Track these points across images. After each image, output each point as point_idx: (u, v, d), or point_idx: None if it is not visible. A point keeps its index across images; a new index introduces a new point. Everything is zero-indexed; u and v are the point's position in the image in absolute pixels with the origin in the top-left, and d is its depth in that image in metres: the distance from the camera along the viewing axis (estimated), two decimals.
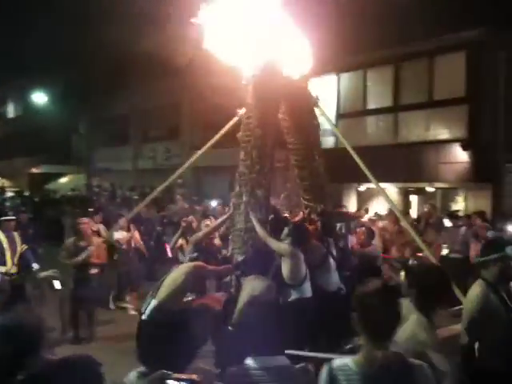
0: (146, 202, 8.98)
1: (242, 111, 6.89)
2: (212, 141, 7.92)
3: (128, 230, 9.34)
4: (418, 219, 12.42)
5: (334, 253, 6.46)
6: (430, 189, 15.00)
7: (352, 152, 7.18)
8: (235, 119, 7.18)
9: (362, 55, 14.91)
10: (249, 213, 6.01)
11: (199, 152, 8.14)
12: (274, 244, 5.71)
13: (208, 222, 8.04)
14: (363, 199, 16.19)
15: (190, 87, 20.17)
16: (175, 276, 4.77)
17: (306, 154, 7.11)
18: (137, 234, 9.69)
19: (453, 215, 11.51)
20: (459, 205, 14.05)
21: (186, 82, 20.68)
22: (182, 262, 5.84)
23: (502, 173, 12.73)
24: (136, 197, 18.00)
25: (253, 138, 6.22)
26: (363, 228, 8.07)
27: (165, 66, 20.65)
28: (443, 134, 14.12)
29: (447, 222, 11.03)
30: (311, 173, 7.11)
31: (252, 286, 3.11)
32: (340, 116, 16.84)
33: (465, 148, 13.20)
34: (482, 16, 11.37)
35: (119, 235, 9.23)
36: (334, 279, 6.21)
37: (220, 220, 6.66)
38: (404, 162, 13.65)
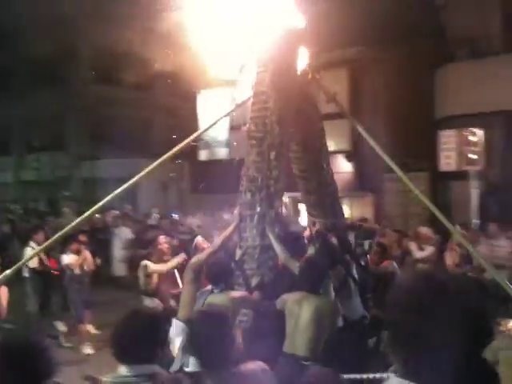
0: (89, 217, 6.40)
1: (242, 99, 5.76)
2: (199, 132, 7.12)
3: (78, 251, 7.95)
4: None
5: (356, 274, 5.41)
6: None
7: (374, 144, 6.00)
8: (233, 109, 6.21)
9: None
10: (264, 228, 4.95)
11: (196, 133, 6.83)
12: (297, 269, 4.57)
13: (200, 239, 6.67)
14: None
15: (76, 97, 19.49)
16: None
17: (312, 162, 5.98)
18: (89, 256, 8.26)
19: None
20: (345, 212, 14.86)
21: (71, 91, 19.95)
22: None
23: (381, 182, 13.72)
24: (20, 211, 16.94)
25: (269, 135, 5.11)
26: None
27: (50, 75, 19.78)
28: (329, 145, 14.85)
29: None
30: (320, 184, 5.95)
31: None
32: (233, 128, 17.17)
33: (348, 159, 14.08)
34: (360, 35, 12.23)
35: (69, 259, 7.84)
36: (357, 306, 5.18)
37: (223, 236, 5.25)
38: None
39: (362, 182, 13.94)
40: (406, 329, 1.38)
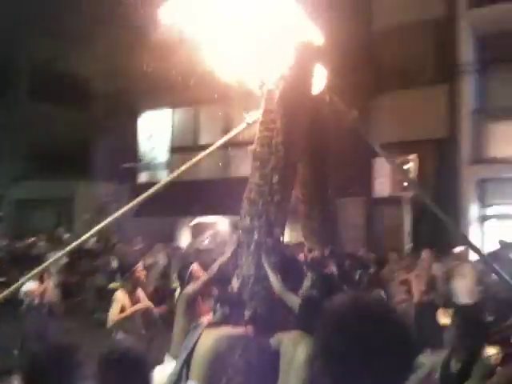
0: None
1: (251, 117, 5.44)
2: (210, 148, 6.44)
3: (41, 279, 7.10)
4: None
5: None
6: None
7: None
8: (242, 126, 5.80)
9: (195, 91, 15.36)
10: (261, 257, 4.56)
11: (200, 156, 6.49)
12: (294, 302, 4.19)
13: (196, 267, 5.90)
14: (195, 234, 16.45)
15: (10, 114, 18.80)
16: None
17: (318, 187, 5.68)
18: (50, 285, 7.51)
19: None
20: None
21: (4, 107, 19.23)
22: None
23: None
24: None
25: (274, 156, 4.76)
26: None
27: None
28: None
29: None
30: (322, 210, 5.67)
31: None
32: (173, 150, 17.10)
33: None
34: None
35: (29, 286, 6.66)
36: None
37: (220, 262, 4.85)
38: (236, 196, 14.23)
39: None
40: (332, 350, 1.39)
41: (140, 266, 6.06)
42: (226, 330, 4.12)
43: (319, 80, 5.26)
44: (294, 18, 4.84)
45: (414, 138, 12.00)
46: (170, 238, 14.88)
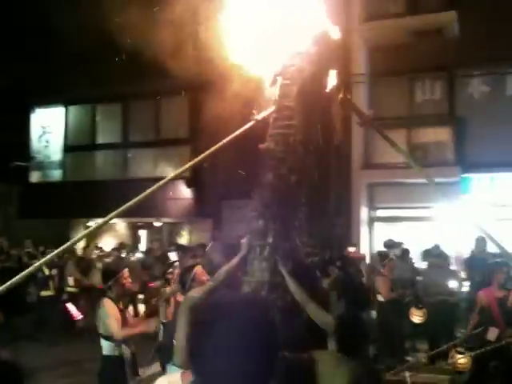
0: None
1: (262, 114, 4.99)
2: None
3: None
4: (147, 252, 12.91)
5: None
6: (157, 223, 15.65)
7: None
8: (250, 124, 5.21)
9: (92, 90, 14.87)
10: (276, 262, 4.16)
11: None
12: (320, 316, 3.86)
13: (200, 270, 5.31)
14: (92, 235, 15.88)
15: None
16: None
17: (321, 190, 5.44)
18: None
19: (179, 247, 12.23)
20: (184, 238, 15.04)
21: None
22: None
23: (220, 208, 14.12)
24: None
25: (291, 155, 4.43)
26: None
27: None
28: (170, 171, 14.98)
29: (173, 255, 11.65)
30: (321, 211, 5.54)
31: None
32: (68, 149, 16.37)
33: (188, 185, 14.28)
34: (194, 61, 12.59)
35: None
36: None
37: (227, 269, 4.38)
38: (134, 198, 13.95)
39: (201, 209, 14.21)
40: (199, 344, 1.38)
41: (125, 272, 5.53)
42: None
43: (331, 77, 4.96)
44: (312, 8, 4.57)
45: None
46: (63, 239, 14.23)
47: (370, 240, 13.06)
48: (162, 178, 4.81)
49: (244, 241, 4.41)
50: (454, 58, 11.90)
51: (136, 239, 15.96)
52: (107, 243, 14.54)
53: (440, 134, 12.40)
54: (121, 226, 15.84)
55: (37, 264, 4.44)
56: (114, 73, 13.09)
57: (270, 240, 4.22)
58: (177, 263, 7.98)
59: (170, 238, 15.48)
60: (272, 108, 4.70)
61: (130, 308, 5.64)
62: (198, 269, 5.11)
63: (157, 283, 9.21)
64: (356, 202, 12.54)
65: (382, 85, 13.10)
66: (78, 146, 16.32)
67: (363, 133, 12.68)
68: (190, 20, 4.93)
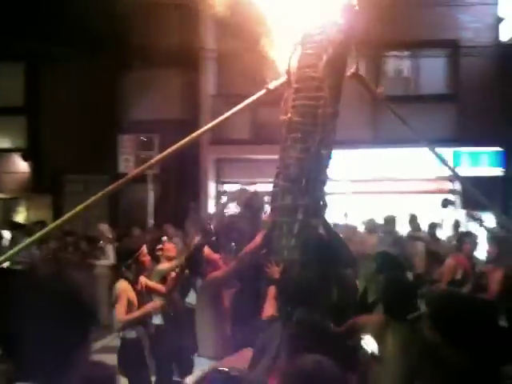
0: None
1: (276, 81, 4.57)
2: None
3: None
4: None
5: None
6: None
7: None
8: (262, 91, 4.78)
9: None
10: (306, 240, 3.88)
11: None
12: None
13: (208, 250, 4.46)
14: None
15: None
16: None
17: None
18: None
19: (14, 225, 11.31)
20: (21, 215, 13.90)
21: None
22: None
23: (61, 183, 13.30)
24: None
25: (321, 128, 4.09)
26: None
27: None
28: (3, 143, 13.72)
29: (7, 233, 10.75)
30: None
31: None
32: None
33: (25, 158, 13.19)
34: (37, 29, 11.62)
35: None
36: None
37: (250, 248, 4.02)
38: None
39: (40, 183, 13.24)
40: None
41: (144, 249, 5.01)
42: None
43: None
44: None
45: (158, 117, 12.31)
46: None
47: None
48: None
49: (267, 218, 4.17)
50: None
51: None
52: None
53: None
54: None
55: None
56: None
57: (300, 216, 3.98)
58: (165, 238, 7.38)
59: (3, 215, 14.20)
60: (284, 78, 4.42)
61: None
62: (206, 249, 4.58)
63: None
64: (204, 177, 12.71)
65: (231, 61, 13.31)
66: None
67: (211, 108, 12.82)
68: None
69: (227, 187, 13.62)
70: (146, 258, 5.04)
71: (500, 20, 12.18)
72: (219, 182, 13.54)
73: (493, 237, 7.27)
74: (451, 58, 12.91)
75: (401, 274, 4.24)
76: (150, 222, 11.28)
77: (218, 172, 13.49)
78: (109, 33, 11.94)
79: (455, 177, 3.87)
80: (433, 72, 12.87)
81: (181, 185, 12.49)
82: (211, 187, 13.12)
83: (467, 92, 12.30)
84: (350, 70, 4.57)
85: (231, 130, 12.51)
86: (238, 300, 4.16)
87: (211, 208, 12.94)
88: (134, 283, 4.83)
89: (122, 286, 4.70)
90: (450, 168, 4.42)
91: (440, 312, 2.11)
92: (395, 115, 4.90)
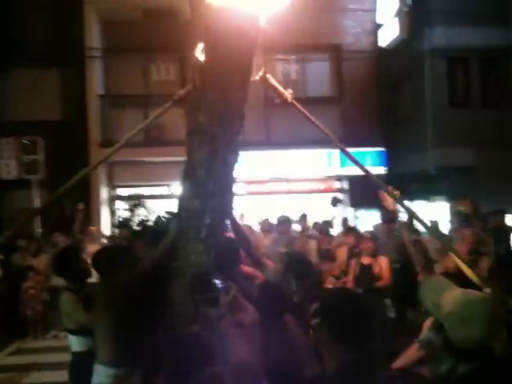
0: None
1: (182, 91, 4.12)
2: None
3: None
4: None
5: None
6: None
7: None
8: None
9: None
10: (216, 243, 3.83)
11: None
12: None
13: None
14: None
15: None
16: None
17: None
18: None
19: None
20: None
21: None
22: None
23: None
24: None
25: (227, 127, 4.03)
26: None
27: None
28: None
29: None
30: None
31: None
32: None
33: None
34: None
35: None
36: None
37: (153, 257, 3.82)
38: None
39: None
40: None
41: None
42: None
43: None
44: None
45: (40, 119, 11.63)
46: None
47: (111, 219, 12.97)
48: None
49: (172, 224, 4.04)
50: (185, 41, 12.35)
51: None
52: None
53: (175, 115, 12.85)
54: None
55: None
56: None
57: (208, 220, 3.90)
58: None
59: None
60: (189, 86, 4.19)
61: None
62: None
63: None
64: (95, 181, 12.20)
65: (116, 61, 12.91)
66: None
67: (99, 109, 12.37)
68: None
69: (120, 191, 13.23)
70: None
71: (378, 26, 12.99)
72: (111, 186, 13.09)
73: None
74: (334, 61, 13.57)
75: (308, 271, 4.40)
76: (38, 230, 10.62)
77: (111, 176, 13.03)
78: None
79: (368, 175, 4.04)
80: (318, 75, 13.45)
81: (70, 190, 11.86)
82: (103, 191, 12.64)
83: (350, 95, 13.01)
84: (259, 73, 4.52)
85: (121, 132, 12.17)
86: None
87: (104, 213, 12.49)
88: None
89: (65, 299, 4.37)
90: (361, 167, 4.57)
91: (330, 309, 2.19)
92: (305, 117, 4.74)
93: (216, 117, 4.03)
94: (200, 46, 3.99)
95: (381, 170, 12.80)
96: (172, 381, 2.95)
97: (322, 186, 13.51)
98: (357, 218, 12.65)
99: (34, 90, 11.78)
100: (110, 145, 12.54)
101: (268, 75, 4.63)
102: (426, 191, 11.86)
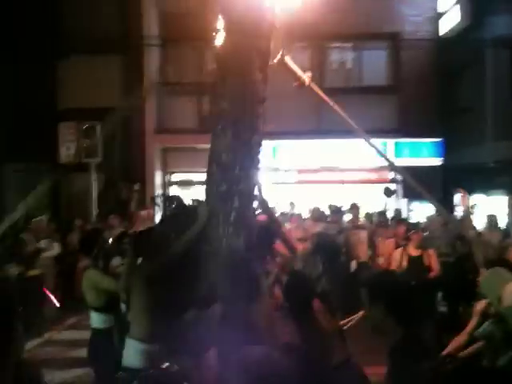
0: None
1: None
2: None
3: None
4: None
5: None
6: None
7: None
8: None
9: None
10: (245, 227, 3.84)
11: None
12: None
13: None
14: None
15: None
16: None
17: None
18: None
19: None
20: None
21: None
22: None
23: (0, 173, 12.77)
24: None
25: (249, 111, 4.06)
26: None
27: None
28: None
29: None
30: None
31: None
32: None
33: None
34: None
35: None
36: None
37: (185, 239, 3.81)
38: None
39: None
40: None
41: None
42: None
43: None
44: None
45: (99, 106, 11.97)
46: None
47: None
48: None
49: (201, 209, 4.05)
50: None
51: None
52: None
53: None
54: None
55: None
56: None
57: (236, 204, 3.92)
58: None
59: None
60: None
61: None
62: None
63: None
64: (150, 166, 12.51)
65: (172, 50, 13.12)
66: None
67: (156, 97, 12.62)
68: None
69: (175, 177, 13.51)
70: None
71: (440, 15, 12.59)
72: (166, 171, 13.37)
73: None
74: (392, 50, 13.25)
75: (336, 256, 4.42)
76: (94, 212, 10.99)
77: (165, 161, 13.31)
78: (47, 19, 11.53)
79: (391, 167, 3.90)
80: (375, 64, 13.18)
81: (125, 174, 12.23)
82: (157, 176, 12.94)
83: (407, 84, 12.68)
84: (277, 57, 4.51)
85: (176, 119, 12.39)
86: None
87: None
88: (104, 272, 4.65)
89: (90, 274, 4.60)
90: (386, 158, 4.46)
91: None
92: (327, 103, 4.83)
93: (237, 102, 4.06)
94: (219, 33, 4.07)
95: (437, 161, 12.47)
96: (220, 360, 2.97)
97: (374, 176, 13.28)
98: (410, 210, 12.40)
99: (93, 76, 12.14)
100: (165, 132, 12.94)
101: (286, 58, 4.61)
102: (485, 184, 11.46)
